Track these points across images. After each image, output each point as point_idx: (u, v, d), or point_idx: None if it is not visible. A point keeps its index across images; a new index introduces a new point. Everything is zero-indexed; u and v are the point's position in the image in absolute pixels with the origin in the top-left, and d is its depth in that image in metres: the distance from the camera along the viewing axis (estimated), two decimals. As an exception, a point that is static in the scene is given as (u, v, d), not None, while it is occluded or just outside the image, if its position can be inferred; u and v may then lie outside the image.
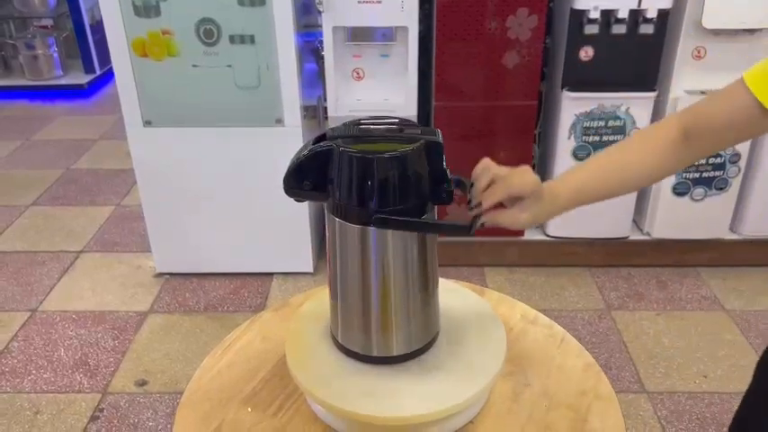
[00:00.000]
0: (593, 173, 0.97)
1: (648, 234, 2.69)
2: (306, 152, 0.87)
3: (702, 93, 2.40)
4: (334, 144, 0.84)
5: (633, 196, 2.62)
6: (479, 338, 1.00)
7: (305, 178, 0.88)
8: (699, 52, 2.37)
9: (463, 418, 0.94)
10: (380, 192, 0.84)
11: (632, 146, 1.00)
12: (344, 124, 0.89)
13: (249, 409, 0.98)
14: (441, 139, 0.85)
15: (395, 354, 0.95)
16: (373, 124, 0.90)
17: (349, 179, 0.85)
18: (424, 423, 0.89)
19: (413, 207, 0.86)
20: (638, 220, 2.73)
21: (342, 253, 0.91)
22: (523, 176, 0.90)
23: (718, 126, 0.91)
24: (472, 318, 1.04)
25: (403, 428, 0.91)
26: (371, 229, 0.86)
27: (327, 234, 0.92)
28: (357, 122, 0.90)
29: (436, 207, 0.90)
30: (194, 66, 2.32)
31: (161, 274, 2.75)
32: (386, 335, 0.94)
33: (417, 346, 0.95)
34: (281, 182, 0.88)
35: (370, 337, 0.94)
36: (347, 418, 0.91)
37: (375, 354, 0.95)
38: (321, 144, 0.86)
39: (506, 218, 0.91)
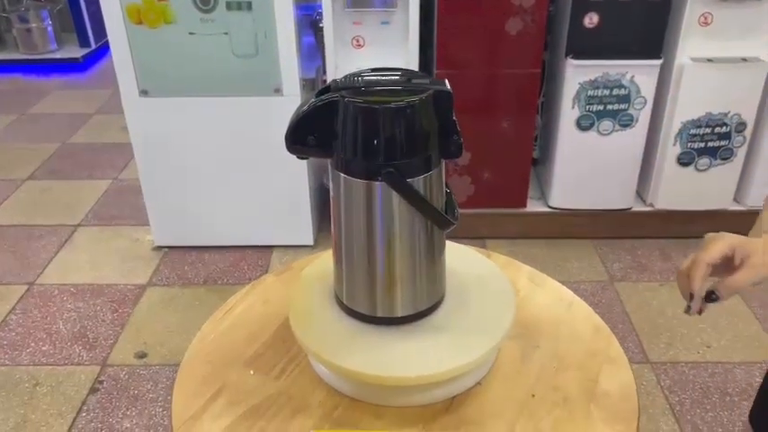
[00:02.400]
0: None
1: (652, 205, 2.66)
2: (309, 105, 0.83)
3: (709, 60, 2.36)
4: (339, 95, 0.81)
5: (636, 167, 2.59)
6: (487, 299, 0.97)
7: (308, 133, 0.84)
8: (705, 18, 2.32)
9: (471, 379, 0.92)
10: (388, 144, 0.80)
11: None
12: (348, 75, 0.86)
13: (251, 372, 0.96)
14: (449, 88, 0.82)
15: (400, 315, 0.92)
16: (379, 75, 0.86)
17: (354, 131, 0.81)
18: (431, 384, 0.87)
19: (421, 160, 0.83)
20: (641, 192, 2.70)
21: (347, 210, 0.87)
22: (716, 242, 0.86)
23: None
24: (480, 279, 1.01)
25: (409, 389, 0.88)
26: (377, 184, 0.83)
27: (331, 191, 0.89)
28: (362, 74, 0.86)
29: (444, 162, 0.87)
30: (191, 33, 2.27)
31: (159, 248, 2.72)
32: (391, 295, 0.91)
33: (424, 306, 0.93)
34: (281, 148, 0.85)
35: (375, 298, 0.92)
36: (352, 379, 0.89)
37: (380, 314, 0.92)
38: (324, 96, 0.83)
39: (732, 281, 0.85)
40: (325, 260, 1.05)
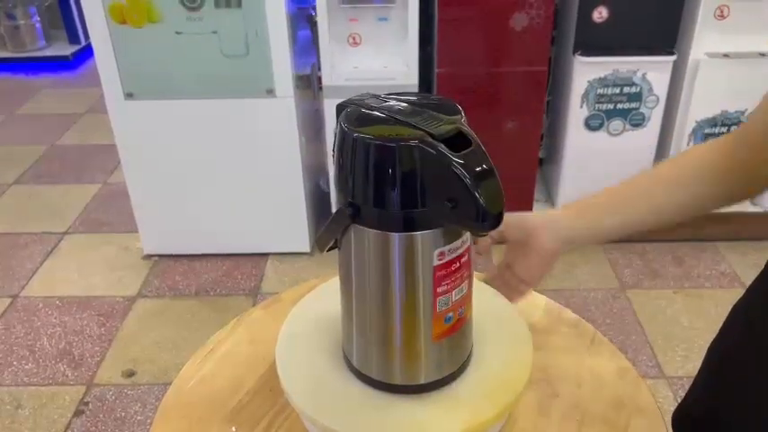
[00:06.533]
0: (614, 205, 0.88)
1: (664, 207, 2.54)
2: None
3: (725, 56, 2.24)
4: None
5: (648, 164, 2.46)
6: (501, 351, 0.85)
7: None
8: (722, 11, 2.20)
9: (483, 438, 0.80)
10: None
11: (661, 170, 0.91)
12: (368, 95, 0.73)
13: (234, 429, 0.85)
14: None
15: (401, 383, 0.80)
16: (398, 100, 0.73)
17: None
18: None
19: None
20: (652, 193, 2.58)
21: (358, 259, 0.74)
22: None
23: None
24: (490, 324, 0.89)
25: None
26: (395, 236, 0.70)
27: (339, 237, 0.75)
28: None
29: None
30: (177, 33, 2.15)
31: (149, 256, 2.61)
32: (408, 362, 0.79)
33: (440, 375, 0.80)
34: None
35: (383, 363, 0.80)
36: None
37: (377, 378, 0.80)
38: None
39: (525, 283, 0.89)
40: (320, 292, 0.93)
